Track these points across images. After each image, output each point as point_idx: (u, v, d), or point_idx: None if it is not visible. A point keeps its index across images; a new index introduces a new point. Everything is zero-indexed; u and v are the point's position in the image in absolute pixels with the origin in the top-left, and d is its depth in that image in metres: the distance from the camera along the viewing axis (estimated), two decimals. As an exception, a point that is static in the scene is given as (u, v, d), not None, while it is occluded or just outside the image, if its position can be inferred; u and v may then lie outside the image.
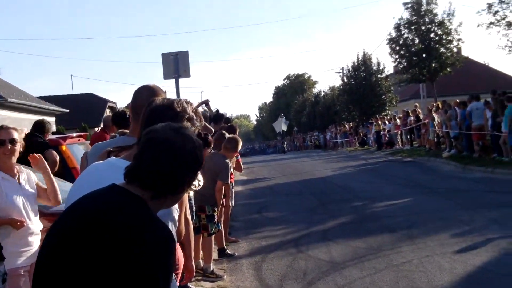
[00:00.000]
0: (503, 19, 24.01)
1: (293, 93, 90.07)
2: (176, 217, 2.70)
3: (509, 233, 8.42)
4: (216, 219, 7.66)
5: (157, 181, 1.89)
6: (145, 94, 3.05)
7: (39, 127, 8.38)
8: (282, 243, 9.31)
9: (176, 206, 2.70)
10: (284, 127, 61.61)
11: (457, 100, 21.00)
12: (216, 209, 7.67)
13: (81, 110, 36.96)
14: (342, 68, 52.11)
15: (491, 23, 24.23)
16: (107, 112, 41.27)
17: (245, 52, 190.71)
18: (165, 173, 1.89)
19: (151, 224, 1.83)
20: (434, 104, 26.52)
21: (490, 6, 24.13)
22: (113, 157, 2.58)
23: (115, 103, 46.28)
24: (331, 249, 8.58)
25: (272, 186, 18.87)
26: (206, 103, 11.29)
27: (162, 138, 1.91)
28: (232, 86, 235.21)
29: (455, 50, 32.15)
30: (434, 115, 23.73)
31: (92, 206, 1.86)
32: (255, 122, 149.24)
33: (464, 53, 37.81)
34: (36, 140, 7.78)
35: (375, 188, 15.32)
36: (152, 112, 2.57)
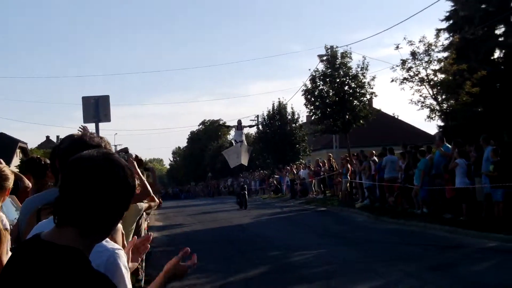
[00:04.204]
0: (416, 75, 24.97)
1: (207, 138, 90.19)
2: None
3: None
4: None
5: (86, 214, 1.70)
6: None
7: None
8: (201, 294, 9.11)
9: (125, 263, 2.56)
10: (245, 160, 29.68)
11: (373, 151, 21.62)
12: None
13: (-10, 149, 35.38)
14: (257, 116, 52.75)
15: (404, 78, 25.15)
16: (18, 153, 39.89)
17: (161, 96, 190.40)
18: (94, 204, 1.70)
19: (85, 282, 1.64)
20: (347, 154, 27.22)
21: (404, 62, 25.09)
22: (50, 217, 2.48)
23: (26, 144, 45.07)
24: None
25: (188, 233, 18.61)
26: (125, 151, 11.05)
27: (89, 166, 1.73)
28: (146, 129, 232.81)
29: (367, 102, 33.10)
30: (348, 165, 24.33)
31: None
32: (168, 166, 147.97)
33: (376, 105, 39.16)
34: None
35: (291, 237, 15.39)
36: (70, 146, 2.54)
